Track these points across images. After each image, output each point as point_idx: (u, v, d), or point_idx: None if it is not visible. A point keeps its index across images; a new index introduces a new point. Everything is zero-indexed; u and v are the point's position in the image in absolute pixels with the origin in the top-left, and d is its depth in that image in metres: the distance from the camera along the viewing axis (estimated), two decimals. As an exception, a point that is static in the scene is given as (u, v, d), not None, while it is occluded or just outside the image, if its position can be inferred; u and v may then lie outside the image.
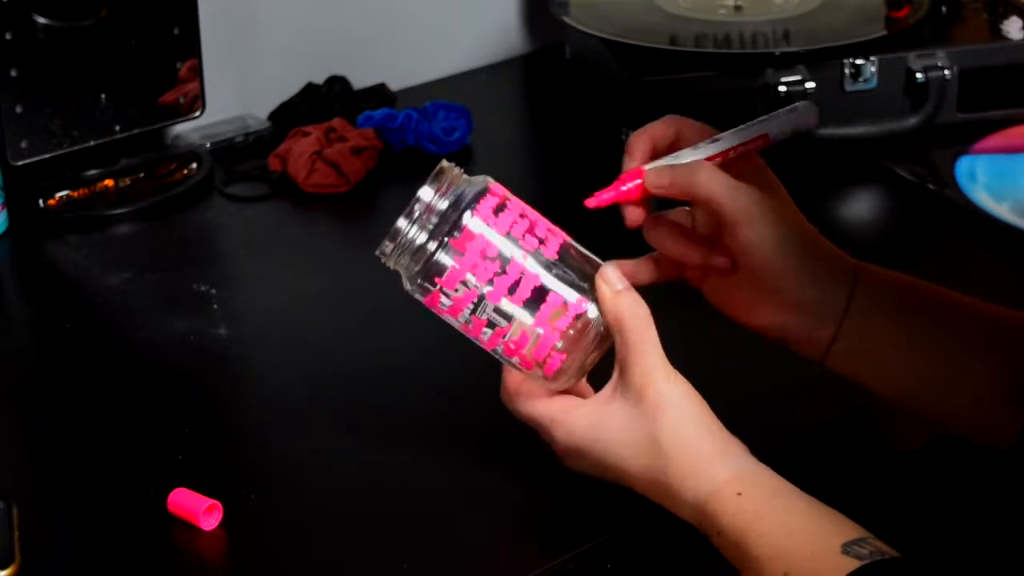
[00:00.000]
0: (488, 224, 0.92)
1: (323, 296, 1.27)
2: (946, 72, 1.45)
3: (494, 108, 1.64)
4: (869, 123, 1.45)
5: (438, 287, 0.93)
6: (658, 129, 0.97)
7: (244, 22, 1.56)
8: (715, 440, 0.90)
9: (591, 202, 0.95)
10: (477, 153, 1.51)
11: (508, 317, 0.93)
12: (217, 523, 0.97)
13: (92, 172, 1.43)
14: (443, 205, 0.92)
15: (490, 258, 0.92)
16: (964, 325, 0.95)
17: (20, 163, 1.37)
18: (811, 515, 0.86)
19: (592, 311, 0.93)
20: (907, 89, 1.47)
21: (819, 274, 0.94)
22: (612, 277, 0.93)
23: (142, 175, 1.45)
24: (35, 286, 1.34)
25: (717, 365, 0.97)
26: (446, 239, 0.92)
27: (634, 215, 0.96)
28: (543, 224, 0.95)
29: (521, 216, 0.94)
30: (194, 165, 1.47)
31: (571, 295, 0.93)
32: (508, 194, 0.95)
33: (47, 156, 1.39)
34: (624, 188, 0.95)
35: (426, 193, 0.92)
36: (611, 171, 1.47)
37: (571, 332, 0.93)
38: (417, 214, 0.92)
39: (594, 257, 0.95)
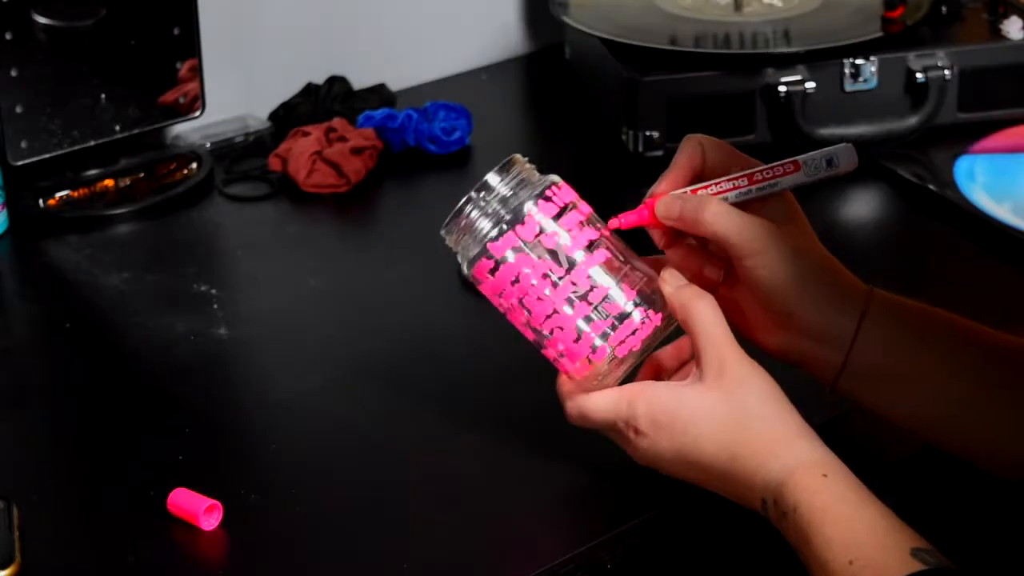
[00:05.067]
0: (548, 215, 0.94)
1: (323, 296, 1.27)
2: (946, 72, 1.45)
3: (494, 108, 1.64)
4: (869, 123, 1.45)
5: (493, 271, 0.94)
6: (693, 154, 0.97)
7: (244, 22, 1.57)
8: (797, 420, 0.92)
9: (614, 222, 0.96)
10: (477, 153, 1.51)
11: (555, 309, 0.94)
12: (217, 523, 0.97)
13: (92, 172, 1.43)
14: (507, 192, 0.94)
15: (545, 247, 0.93)
16: (979, 354, 0.95)
17: (20, 163, 1.37)
18: (887, 515, 0.87)
19: (637, 316, 0.94)
20: (907, 89, 1.47)
21: (828, 300, 0.94)
22: (674, 273, 0.95)
23: (142, 175, 1.45)
24: (35, 286, 1.34)
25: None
26: (505, 225, 0.93)
27: (659, 238, 0.98)
28: (603, 228, 0.96)
29: (581, 214, 0.95)
30: (194, 165, 1.47)
31: (618, 294, 0.94)
32: (575, 195, 0.96)
33: (47, 156, 1.39)
34: (646, 213, 0.97)
35: (493, 179, 0.94)
36: (611, 172, 1.48)
37: (612, 329, 0.94)
38: (481, 198, 0.94)
39: (649, 269, 0.96)
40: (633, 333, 0.94)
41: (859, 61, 1.45)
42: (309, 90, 1.56)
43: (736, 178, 0.96)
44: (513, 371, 1.08)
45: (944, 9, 1.53)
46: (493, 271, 0.94)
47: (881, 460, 1.10)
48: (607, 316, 0.94)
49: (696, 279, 0.97)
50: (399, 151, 1.49)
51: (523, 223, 0.93)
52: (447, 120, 1.50)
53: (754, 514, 0.92)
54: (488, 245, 0.94)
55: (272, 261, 1.35)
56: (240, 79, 1.56)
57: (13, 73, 1.35)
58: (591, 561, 0.95)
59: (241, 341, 1.21)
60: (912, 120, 1.46)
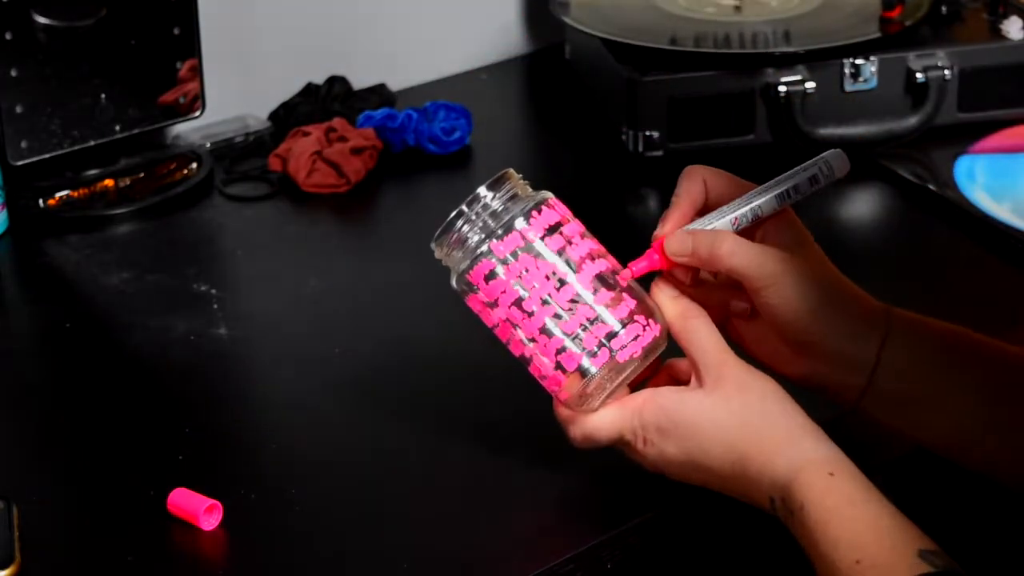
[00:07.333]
0: (539, 231, 0.93)
1: (323, 296, 1.27)
2: (946, 72, 1.45)
3: (494, 108, 1.64)
4: (869, 123, 1.45)
5: (481, 286, 0.93)
6: (695, 190, 0.96)
7: (244, 22, 1.57)
8: (801, 418, 0.91)
9: (626, 274, 0.95)
10: (477, 153, 1.51)
11: (542, 326, 0.93)
12: (217, 523, 0.97)
13: (92, 172, 1.43)
14: (499, 206, 0.93)
15: (535, 263, 0.93)
16: (1003, 372, 0.95)
17: (20, 163, 1.37)
18: (895, 516, 0.87)
19: (625, 335, 0.93)
20: (907, 89, 1.47)
21: (847, 325, 0.94)
22: (668, 285, 0.95)
23: (142, 175, 1.45)
24: (35, 286, 1.34)
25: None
26: (496, 240, 0.93)
27: (684, 276, 0.96)
28: (594, 245, 0.95)
29: (573, 231, 0.94)
30: (194, 165, 1.47)
31: (607, 312, 0.93)
32: (567, 212, 0.95)
33: (47, 156, 1.39)
34: (656, 258, 0.95)
35: (484, 193, 0.94)
36: (611, 172, 1.48)
37: (600, 347, 0.93)
38: (473, 212, 0.93)
39: (639, 288, 0.95)
40: (621, 349, 0.93)
41: (859, 61, 1.45)
42: (309, 90, 1.56)
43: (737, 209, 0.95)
44: (514, 370, 1.07)
45: (944, 9, 1.53)
46: (482, 285, 0.94)
47: (881, 459, 1.10)
48: (595, 335, 0.92)
49: (715, 312, 0.96)
50: (399, 151, 1.49)
51: (513, 238, 0.93)
52: (447, 120, 1.50)
53: (753, 515, 0.92)
54: (478, 259, 0.93)
55: (272, 261, 1.35)
56: (240, 79, 1.56)
57: (13, 73, 1.35)
58: (591, 561, 0.95)
59: (241, 341, 1.21)
60: (912, 120, 1.46)
